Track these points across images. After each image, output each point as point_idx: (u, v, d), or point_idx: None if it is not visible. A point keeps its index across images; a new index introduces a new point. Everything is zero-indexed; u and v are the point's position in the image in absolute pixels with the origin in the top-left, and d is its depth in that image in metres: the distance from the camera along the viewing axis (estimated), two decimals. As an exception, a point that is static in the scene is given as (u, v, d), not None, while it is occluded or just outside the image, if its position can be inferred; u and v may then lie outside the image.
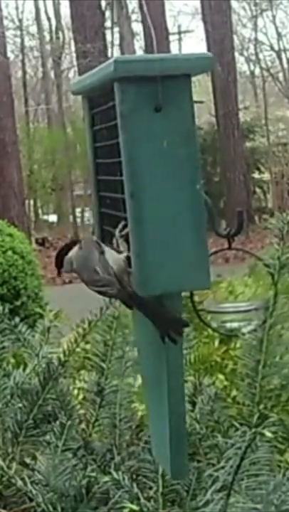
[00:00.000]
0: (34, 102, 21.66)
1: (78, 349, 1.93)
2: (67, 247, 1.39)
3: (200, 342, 2.47)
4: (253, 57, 23.55)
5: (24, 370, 1.94)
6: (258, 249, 10.47)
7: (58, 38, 20.77)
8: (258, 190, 17.96)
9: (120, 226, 1.31)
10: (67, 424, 1.68)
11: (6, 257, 5.19)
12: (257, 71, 23.39)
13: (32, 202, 18.85)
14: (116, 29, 13.38)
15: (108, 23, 16.20)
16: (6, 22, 17.95)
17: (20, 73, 21.05)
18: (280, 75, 22.82)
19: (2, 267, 5.14)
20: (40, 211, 19.96)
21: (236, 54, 18.68)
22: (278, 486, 1.40)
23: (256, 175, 17.80)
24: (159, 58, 1.24)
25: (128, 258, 1.28)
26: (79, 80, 1.44)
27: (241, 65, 23.00)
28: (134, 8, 17.33)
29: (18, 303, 5.10)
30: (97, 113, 1.41)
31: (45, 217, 19.81)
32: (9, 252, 5.22)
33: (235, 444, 1.42)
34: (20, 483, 1.54)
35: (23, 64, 21.22)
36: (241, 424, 1.69)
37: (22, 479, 1.55)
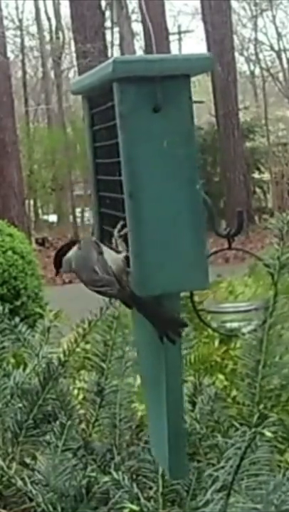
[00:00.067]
0: (34, 102, 21.66)
1: (78, 349, 1.93)
2: (66, 247, 1.38)
3: (200, 342, 2.47)
4: (253, 57, 23.58)
5: (24, 370, 1.94)
6: (258, 249, 10.47)
7: (58, 38, 20.76)
8: (258, 190, 17.95)
9: (119, 226, 1.30)
10: (67, 424, 1.68)
11: (6, 257, 5.19)
12: (257, 71, 23.42)
13: (32, 202, 18.85)
14: (116, 29, 13.40)
15: (108, 23, 16.26)
16: (6, 22, 17.97)
17: (20, 73, 21.05)
18: (280, 75, 22.82)
19: (2, 267, 5.14)
20: (40, 211, 19.96)
21: (236, 54, 18.69)
22: (278, 486, 1.40)
23: (256, 175, 17.80)
24: (159, 59, 1.24)
25: (127, 258, 1.28)
26: (78, 79, 1.44)
27: (241, 65, 23.04)
28: (134, 8, 17.33)
29: (18, 303, 5.10)
30: (96, 113, 1.41)
31: (45, 217, 19.81)
32: (9, 252, 5.22)
33: (235, 444, 1.42)
34: (20, 483, 1.54)
35: (23, 64, 21.23)
36: (241, 424, 1.69)
37: (22, 479, 1.55)
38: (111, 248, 1.32)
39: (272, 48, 23.34)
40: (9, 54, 16.92)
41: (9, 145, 13.97)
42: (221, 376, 2.29)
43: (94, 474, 1.60)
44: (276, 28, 26.14)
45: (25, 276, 5.24)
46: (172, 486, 1.59)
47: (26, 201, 16.34)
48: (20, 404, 1.82)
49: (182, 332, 1.32)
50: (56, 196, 19.06)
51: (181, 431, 1.39)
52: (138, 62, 1.25)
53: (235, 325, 1.69)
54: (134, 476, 1.64)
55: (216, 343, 2.55)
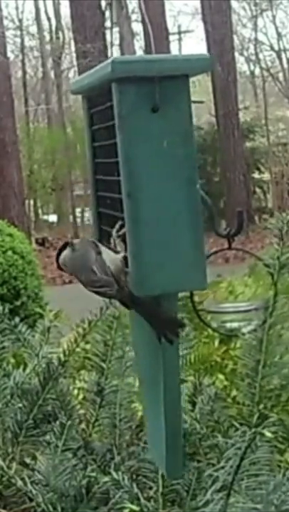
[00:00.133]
0: (34, 102, 21.66)
1: (78, 349, 1.93)
2: (61, 250, 1.38)
3: (200, 342, 2.47)
4: (253, 57, 23.58)
5: (24, 370, 1.94)
6: (258, 249, 10.47)
7: (58, 38, 20.77)
8: (258, 190, 17.96)
9: (117, 226, 1.30)
10: (67, 424, 1.68)
11: (6, 257, 5.20)
12: (257, 71, 23.42)
13: (32, 202, 18.85)
14: (116, 29, 13.40)
15: (108, 23, 16.23)
16: (6, 22, 17.98)
17: (20, 73, 21.05)
18: (280, 75, 22.82)
19: (2, 267, 5.15)
20: (40, 211, 19.96)
21: (236, 54, 18.70)
22: (278, 486, 1.40)
23: (256, 175, 17.81)
24: (158, 59, 1.24)
25: (125, 258, 1.27)
26: (78, 79, 1.44)
27: (241, 65, 23.04)
28: (134, 8, 17.31)
29: (18, 303, 5.11)
30: (95, 113, 1.41)
31: (45, 217, 19.81)
32: (9, 252, 5.22)
33: (235, 444, 1.42)
34: (20, 483, 1.54)
35: (23, 64, 21.23)
36: (241, 424, 1.69)
37: (22, 479, 1.55)
38: (109, 248, 1.32)
39: (272, 48, 23.37)
40: (9, 54, 16.95)
41: (9, 145, 13.97)
42: (221, 376, 2.30)
43: (94, 474, 1.60)
44: (276, 28, 26.21)
45: (25, 276, 5.25)
46: (172, 486, 1.59)
47: (26, 201, 16.34)
48: (20, 404, 1.82)
49: (180, 332, 1.32)
50: (56, 196, 19.07)
51: (179, 431, 1.39)
52: (137, 63, 1.25)
53: (235, 325, 1.69)
54: (134, 476, 1.64)
55: (216, 343, 2.55)
